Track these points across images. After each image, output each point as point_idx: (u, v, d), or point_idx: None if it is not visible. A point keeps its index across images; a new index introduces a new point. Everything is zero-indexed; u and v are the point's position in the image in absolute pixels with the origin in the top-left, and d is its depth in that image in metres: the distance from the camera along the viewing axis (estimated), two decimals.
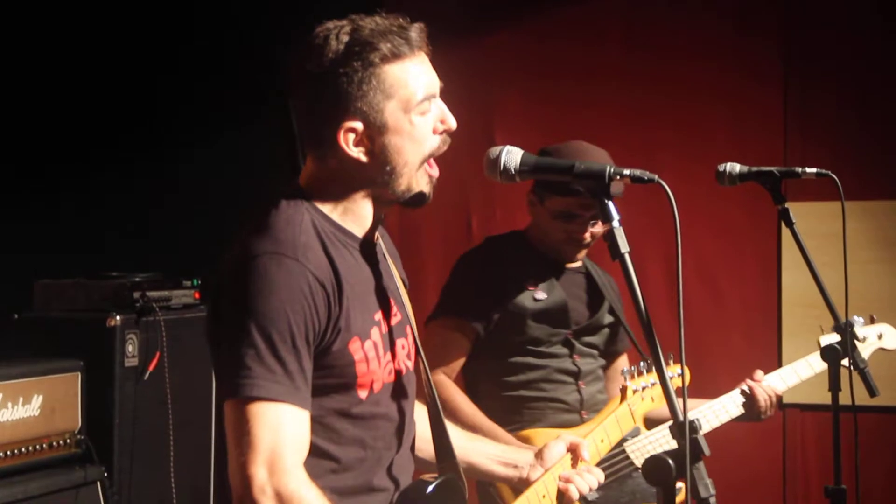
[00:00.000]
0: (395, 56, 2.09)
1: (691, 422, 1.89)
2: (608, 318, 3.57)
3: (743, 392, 3.51)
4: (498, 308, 3.42)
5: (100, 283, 4.38)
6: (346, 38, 2.07)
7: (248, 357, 1.97)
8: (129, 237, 4.85)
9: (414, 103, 2.12)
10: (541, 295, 3.45)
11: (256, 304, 1.98)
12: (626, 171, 2.05)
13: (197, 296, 4.55)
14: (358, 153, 2.11)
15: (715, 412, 3.49)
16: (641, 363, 3.10)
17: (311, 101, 2.10)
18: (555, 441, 2.55)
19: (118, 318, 4.20)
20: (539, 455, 2.52)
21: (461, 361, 3.45)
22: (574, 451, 2.53)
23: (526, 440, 3.32)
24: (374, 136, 2.10)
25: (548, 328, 3.44)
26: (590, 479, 2.50)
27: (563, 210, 3.40)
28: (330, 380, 2.08)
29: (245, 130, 4.70)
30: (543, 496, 2.46)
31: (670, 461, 1.88)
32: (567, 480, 2.48)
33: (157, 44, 4.84)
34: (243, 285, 2.00)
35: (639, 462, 3.34)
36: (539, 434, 3.36)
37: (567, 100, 4.92)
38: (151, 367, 4.29)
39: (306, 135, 2.15)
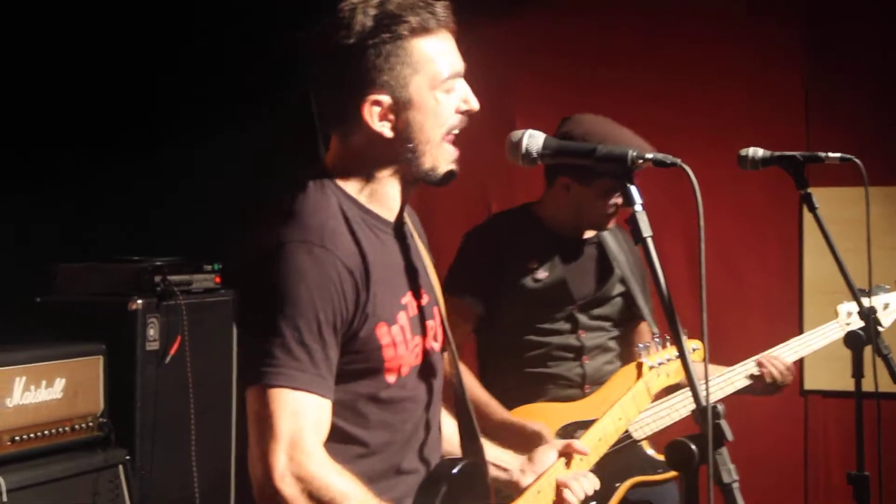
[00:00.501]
0: (424, 30, 2.09)
1: (713, 406, 1.88)
2: (619, 289, 3.57)
3: (759, 363, 3.50)
4: (497, 288, 3.45)
5: (120, 267, 4.39)
6: (373, 12, 2.07)
7: (273, 345, 1.97)
8: (149, 221, 4.86)
9: (440, 80, 2.11)
10: (541, 274, 3.47)
11: (284, 293, 1.98)
12: (649, 155, 2.04)
13: (218, 280, 4.56)
14: (382, 127, 2.10)
15: (725, 381, 3.49)
16: (656, 339, 3.10)
17: (337, 74, 2.09)
18: (546, 447, 2.54)
19: (139, 301, 4.21)
20: (530, 459, 2.51)
21: (460, 339, 3.43)
22: (567, 455, 2.52)
23: (525, 415, 3.36)
24: (398, 110, 2.10)
25: (548, 306, 3.47)
26: (586, 484, 2.49)
27: (612, 187, 3.39)
28: (357, 365, 2.08)
29: (267, 112, 4.70)
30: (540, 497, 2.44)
31: (693, 446, 1.88)
32: (563, 485, 2.46)
33: (172, 27, 4.84)
34: (271, 273, 2.00)
35: (637, 435, 3.38)
36: (537, 409, 3.41)
37: (587, 83, 4.90)
38: (172, 351, 4.30)
39: (330, 111, 2.14)
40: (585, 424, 3.03)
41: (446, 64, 2.12)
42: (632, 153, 2.05)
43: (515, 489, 2.47)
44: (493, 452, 2.50)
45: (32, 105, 4.59)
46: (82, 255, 4.47)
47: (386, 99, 2.09)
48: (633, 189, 2.04)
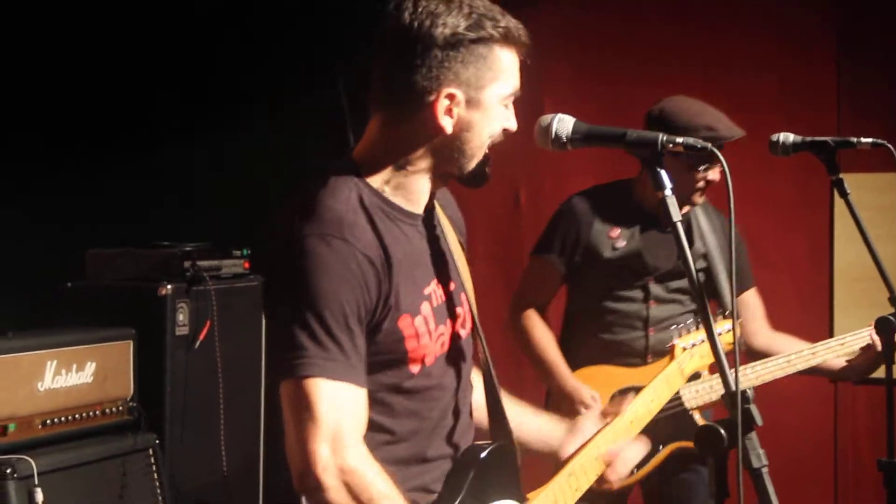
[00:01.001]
0: (509, 41, 2.12)
1: (743, 392, 1.88)
2: (699, 264, 3.67)
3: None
4: (580, 253, 3.64)
5: (150, 253, 4.41)
6: (468, 10, 2.09)
7: (302, 337, 1.98)
8: (179, 207, 4.88)
9: (506, 93, 2.15)
10: (620, 244, 3.63)
11: (308, 286, 1.98)
12: (679, 140, 2.04)
13: (247, 265, 4.58)
14: (445, 121, 2.10)
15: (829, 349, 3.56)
16: (689, 320, 3.12)
17: (416, 60, 2.08)
18: (587, 417, 2.55)
19: (169, 286, 4.23)
20: (572, 430, 2.51)
21: (546, 297, 3.76)
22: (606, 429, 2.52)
23: (583, 376, 3.60)
24: (465, 109, 2.11)
25: (624, 276, 3.63)
26: (629, 456, 2.49)
27: (698, 160, 3.50)
28: (380, 356, 2.08)
29: (296, 102, 4.71)
30: (578, 476, 2.44)
31: (722, 431, 1.88)
32: (607, 461, 2.47)
33: (210, 15, 4.85)
34: (293, 267, 2.00)
35: (689, 404, 3.51)
36: (595, 371, 3.63)
37: (617, 71, 4.89)
38: (202, 336, 4.32)
39: (391, 95, 2.13)
40: (638, 390, 3.06)
41: (514, 80, 2.16)
42: (662, 138, 2.04)
43: (557, 461, 2.47)
44: (537, 423, 2.51)
45: (67, 91, 4.61)
46: (114, 241, 4.49)
47: (459, 95, 2.10)
48: (663, 173, 2.04)
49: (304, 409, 1.97)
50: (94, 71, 4.68)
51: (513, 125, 2.19)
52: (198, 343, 4.31)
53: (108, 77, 4.71)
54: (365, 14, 2.25)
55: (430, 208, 2.22)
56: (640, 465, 3.47)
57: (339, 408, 1.98)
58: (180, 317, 4.28)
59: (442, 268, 2.22)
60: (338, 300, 1.99)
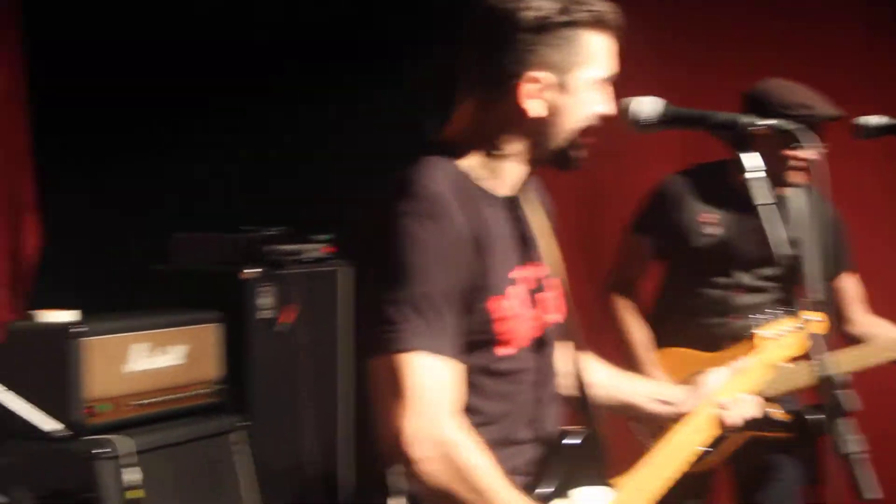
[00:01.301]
0: (599, 25, 2.12)
1: (834, 377, 1.88)
2: (791, 249, 3.58)
3: None
4: (667, 235, 3.66)
5: (233, 237, 4.47)
6: None
7: (398, 314, 1.99)
8: (262, 192, 4.94)
9: (597, 77, 2.14)
10: (710, 230, 3.61)
11: (405, 265, 2.00)
12: (761, 122, 2.03)
13: (329, 250, 4.62)
14: (531, 105, 2.11)
15: None
16: (775, 309, 3.08)
17: (504, 43, 2.09)
18: (709, 373, 2.54)
19: (251, 271, 4.29)
20: (693, 385, 2.53)
21: (636, 273, 3.78)
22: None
23: (661, 356, 3.64)
24: (552, 93, 2.11)
25: (710, 262, 3.60)
26: (745, 406, 2.49)
27: (793, 139, 3.40)
28: (470, 337, 2.09)
29: (382, 86, 4.73)
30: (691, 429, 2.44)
31: (816, 416, 1.87)
32: (722, 407, 2.47)
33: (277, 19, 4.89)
34: (389, 246, 2.02)
35: (766, 392, 3.42)
36: (671, 353, 3.64)
37: (697, 57, 4.84)
38: (284, 320, 4.38)
39: (480, 78, 2.14)
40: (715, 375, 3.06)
41: (606, 64, 2.14)
42: (742, 120, 2.04)
43: (675, 421, 2.46)
44: (655, 388, 2.53)
45: (154, 75, 4.69)
46: (198, 226, 4.57)
47: (545, 78, 2.10)
48: (748, 156, 2.03)
49: (398, 382, 1.98)
50: (182, 54, 4.74)
51: (608, 109, 2.18)
52: (280, 327, 4.37)
53: (197, 61, 4.77)
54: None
55: (522, 192, 2.24)
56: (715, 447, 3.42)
57: (438, 380, 1.99)
58: (262, 301, 4.34)
59: (532, 252, 2.24)
60: (434, 278, 2.00)
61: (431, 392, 1.99)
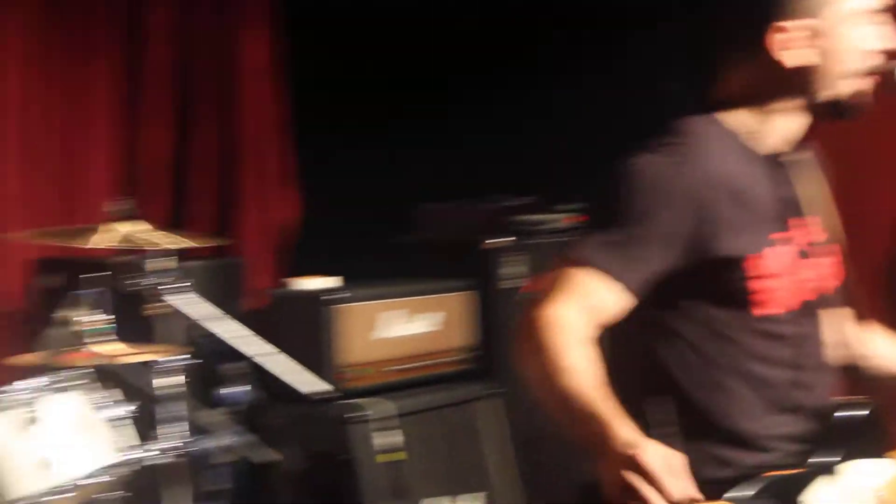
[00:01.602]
0: None
1: None
2: None
3: None
4: None
5: (479, 207, 4.52)
6: None
7: (597, 236, 1.98)
8: (509, 162, 4.96)
9: (854, 12, 2.06)
10: None
11: (626, 198, 1.99)
12: None
13: (574, 220, 4.61)
14: (787, 56, 2.05)
15: None
16: None
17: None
18: None
19: (496, 240, 4.32)
20: None
21: None
22: None
23: None
24: (805, 40, 2.05)
25: None
26: None
27: None
28: (722, 294, 2.05)
29: (630, 56, 4.66)
30: None
31: None
32: None
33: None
34: (618, 184, 2.01)
35: None
36: None
37: None
38: (528, 290, 4.39)
39: (730, 39, 2.11)
40: None
41: None
42: None
43: None
44: None
45: (409, 47, 4.78)
46: (445, 195, 4.64)
47: (794, 26, 2.04)
48: None
49: (554, 282, 1.96)
50: (434, 27, 4.80)
51: (886, 42, 2.08)
52: (523, 296, 4.39)
53: (448, 34, 4.82)
54: None
55: (797, 153, 2.16)
56: None
57: (591, 293, 1.95)
58: (508, 270, 4.36)
59: (800, 215, 2.16)
60: (651, 218, 1.97)
61: (574, 294, 1.94)
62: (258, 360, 3.31)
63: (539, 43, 4.88)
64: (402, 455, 3.75)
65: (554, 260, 2.04)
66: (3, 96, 4.27)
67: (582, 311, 1.96)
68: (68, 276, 3.87)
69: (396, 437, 3.75)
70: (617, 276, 1.98)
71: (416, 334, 4.04)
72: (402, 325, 4.00)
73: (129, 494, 2.99)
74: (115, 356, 3.14)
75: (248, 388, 3.21)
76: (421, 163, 4.77)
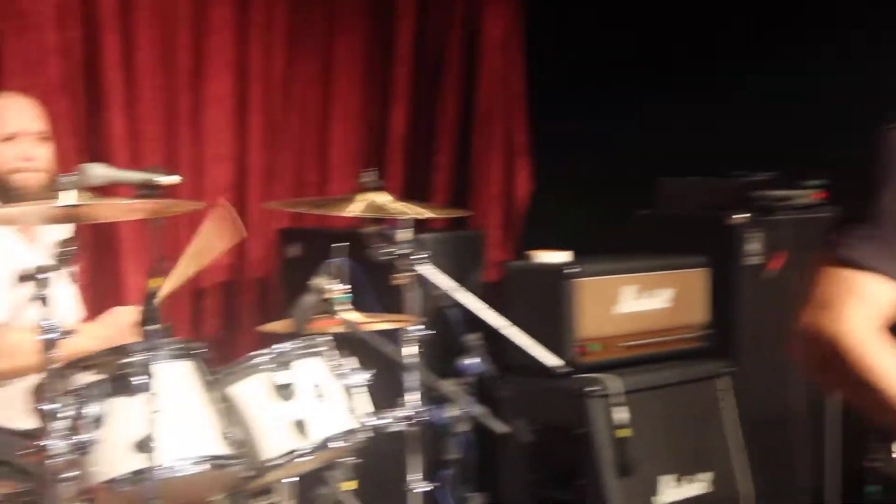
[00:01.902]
0: None
1: None
2: None
3: None
4: None
5: (721, 182, 4.43)
6: None
7: (862, 230, 1.86)
8: (752, 137, 4.82)
9: None
10: None
11: (884, 174, 1.87)
12: None
13: (820, 196, 4.45)
14: None
15: None
16: None
17: None
18: None
19: (739, 216, 4.22)
20: None
21: None
22: None
23: None
24: None
25: None
26: None
27: None
28: None
29: (882, 28, 4.44)
30: None
31: None
32: None
33: None
34: (876, 158, 1.90)
35: None
36: None
37: None
38: (772, 266, 4.27)
39: None
40: None
41: None
42: None
43: None
44: None
45: (646, 22, 4.73)
46: (686, 171, 4.55)
47: None
48: None
49: (816, 287, 1.86)
50: (668, 6, 4.73)
51: None
52: (768, 273, 4.27)
53: (682, 11, 4.74)
54: None
55: None
56: None
57: (855, 291, 1.84)
58: (750, 246, 4.26)
59: None
60: None
61: (846, 300, 1.83)
62: (500, 332, 3.33)
63: (793, 13, 4.70)
64: (627, 432, 3.72)
65: (815, 258, 1.95)
66: (247, 73, 4.44)
67: (871, 320, 1.88)
68: (308, 245, 4.01)
69: (624, 414, 3.72)
70: (894, 275, 1.89)
71: (650, 310, 4.00)
72: (637, 301, 3.97)
73: (362, 461, 3.07)
74: (364, 324, 3.22)
75: (482, 359, 3.23)
76: (663, 136, 4.69)
